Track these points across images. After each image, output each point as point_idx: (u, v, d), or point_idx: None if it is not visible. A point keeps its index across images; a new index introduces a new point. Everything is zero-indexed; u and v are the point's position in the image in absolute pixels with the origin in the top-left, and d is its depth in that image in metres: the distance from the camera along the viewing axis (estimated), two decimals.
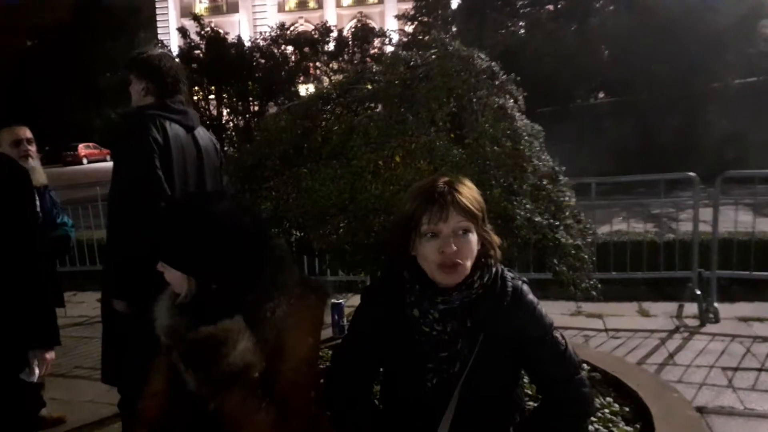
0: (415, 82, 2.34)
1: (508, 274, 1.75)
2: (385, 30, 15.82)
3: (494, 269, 1.71)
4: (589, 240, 2.37)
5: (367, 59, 12.75)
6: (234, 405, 1.57)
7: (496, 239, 1.73)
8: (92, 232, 6.99)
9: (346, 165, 2.23)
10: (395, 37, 14.93)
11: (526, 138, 2.27)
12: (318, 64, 14.22)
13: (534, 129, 2.52)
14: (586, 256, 2.24)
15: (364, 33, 14.90)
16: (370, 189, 2.14)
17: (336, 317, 4.29)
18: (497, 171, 2.15)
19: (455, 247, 1.60)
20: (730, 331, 4.94)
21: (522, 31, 15.86)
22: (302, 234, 2.46)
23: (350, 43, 14.65)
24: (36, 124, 3.53)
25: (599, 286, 2.31)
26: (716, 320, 5.14)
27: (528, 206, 2.09)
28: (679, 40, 12.63)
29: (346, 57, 14.09)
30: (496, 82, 2.39)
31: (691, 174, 5.49)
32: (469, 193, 1.66)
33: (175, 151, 2.59)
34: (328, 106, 2.50)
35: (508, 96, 2.39)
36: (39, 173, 3.45)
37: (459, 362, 1.67)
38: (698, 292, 5.32)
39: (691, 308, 5.34)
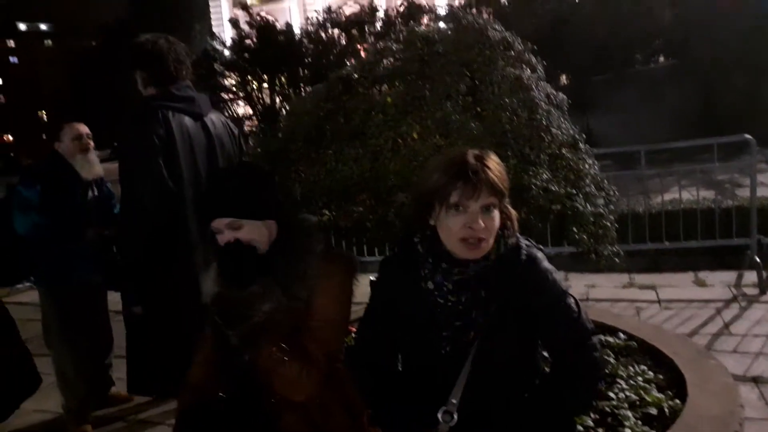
0: (432, 57, 2.37)
1: (523, 243, 1.77)
2: (434, 6, 15.63)
3: (510, 241, 1.74)
4: (612, 207, 2.35)
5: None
6: (263, 357, 1.78)
7: (513, 212, 1.76)
8: None
9: (367, 144, 2.29)
10: (443, 13, 14.71)
11: (543, 107, 2.26)
12: (366, 45, 14.24)
13: (557, 98, 2.51)
14: (608, 224, 2.22)
15: (412, 11, 14.76)
16: (389, 166, 2.20)
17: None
18: (514, 142, 2.15)
19: (483, 224, 1.63)
20: None
21: None
22: (332, 214, 2.55)
23: (398, 21, 14.56)
24: (100, 121, 3.72)
25: (622, 253, 2.30)
26: None
27: (545, 176, 2.10)
28: None
29: (393, 36, 14.05)
30: (512, 53, 2.38)
31: (747, 136, 5.24)
32: (497, 170, 1.68)
33: (181, 142, 2.51)
34: (350, 87, 2.55)
35: (524, 66, 2.38)
36: (96, 166, 3.65)
37: (473, 330, 1.72)
38: (757, 260, 5.12)
39: (750, 276, 5.15)
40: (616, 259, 2.24)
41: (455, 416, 1.68)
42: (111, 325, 3.98)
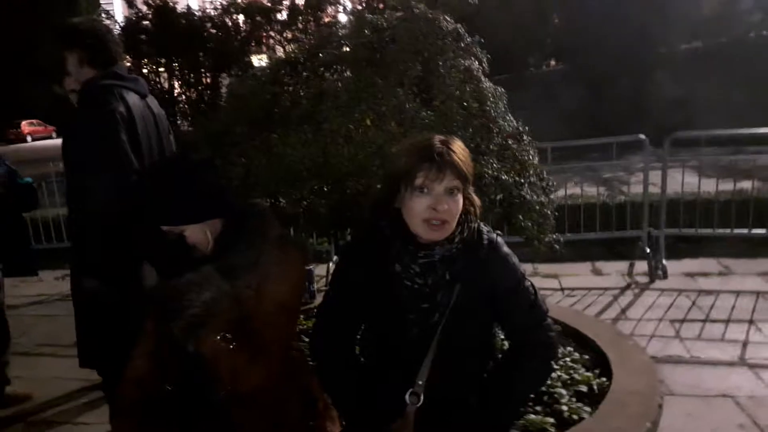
0: (382, 44, 2.37)
1: (484, 228, 1.83)
2: None
3: (473, 225, 1.79)
4: (552, 197, 2.48)
5: (322, 26, 12.58)
6: (208, 347, 1.71)
7: (477, 200, 1.81)
8: (47, 210, 6.74)
9: (317, 129, 2.26)
10: (349, 5, 14.72)
11: (491, 99, 2.34)
12: (271, 33, 13.94)
13: (498, 91, 2.60)
14: (549, 212, 2.35)
15: (318, 1, 14.61)
16: (343, 152, 2.18)
17: (306, 283, 4.38)
18: (465, 132, 2.21)
19: (446, 206, 1.67)
20: (677, 286, 5.23)
21: None
22: (273, 201, 2.49)
23: (303, 11, 14.36)
24: None
25: (561, 240, 2.44)
26: (665, 276, 5.43)
27: (495, 165, 2.18)
28: (627, 6, 12.92)
29: (300, 26, 13.85)
30: (462, 44, 2.45)
31: (641, 136, 5.70)
32: (462, 154, 1.72)
33: (138, 120, 2.48)
34: (296, 71, 2.50)
35: (473, 58, 2.45)
36: None
37: (438, 312, 1.75)
38: (648, 250, 5.60)
39: (641, 266, 5.62)
40: (556, 246, 2.37)
41: (422, 397, 1.72)
42: (7, 320, 3.70)
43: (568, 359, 2.73)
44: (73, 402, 3.70)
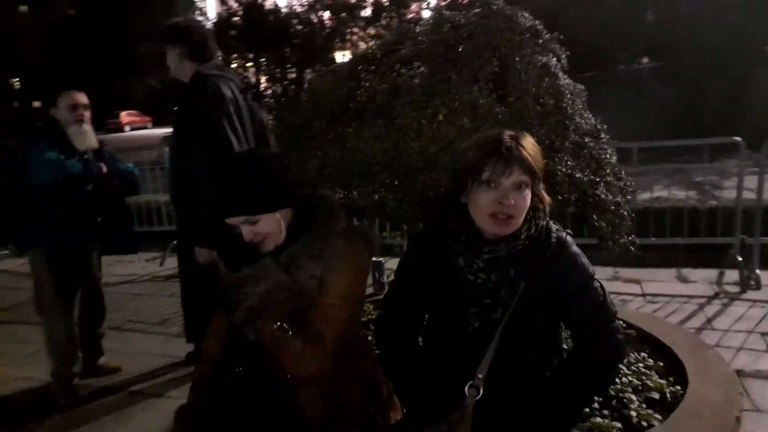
0: (459, 41, 2.38)
1: (553, 226, 1.81)
2: None
3: (541, 223, 1.78)
4: (629, 198, 2.41)
5: (405, 23, 12.65)
6: (265, 335, 1.78)
7: (547, 197, 1.79)
8: (139, 195, 7.18)
9: (390, 124, 2.30)
10: (433, 1, 14.71)
11: (568, 96, 2.30)
12: (355, 29, 14.19)
13: (576, 88, 2.55)
14: (625, 213, 2.28)
15: None
16: (414, 147, 2.21)
17: (377, 275, 4.47)
18: (539, 129, 2.19)
19: (513, 201, 1.67)
20: None
21: None
22: (346, 193, 2.55)
23: (387, 7, 14.52)
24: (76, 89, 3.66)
25: (637, 241, 2.36)
26: (757, 287, 5.08)
27: (570, 163, 2.14)
28: (725, 2, 12.19)
29: (383, 22, 14.02)
30: (540, 41, 2.41)
31: (737, 139, 5.37)
32: (532, 150, 1.72)
33: (242, 109, 2.71)
34: (372, 67, 2.55)
35: (551, 54, 2.41)
36: (90, 138, 3.58)
37: (501, 308, 1.75)
38: (740, 259, 5.27)
39: (731, 275, 5.29)
40: (632, 248, 2.30)
41: (481, 391, 1.72)
42: (104, 295, 3.96)
43: (640, 365, 2.64)
44: (158, 378, 3.91)
